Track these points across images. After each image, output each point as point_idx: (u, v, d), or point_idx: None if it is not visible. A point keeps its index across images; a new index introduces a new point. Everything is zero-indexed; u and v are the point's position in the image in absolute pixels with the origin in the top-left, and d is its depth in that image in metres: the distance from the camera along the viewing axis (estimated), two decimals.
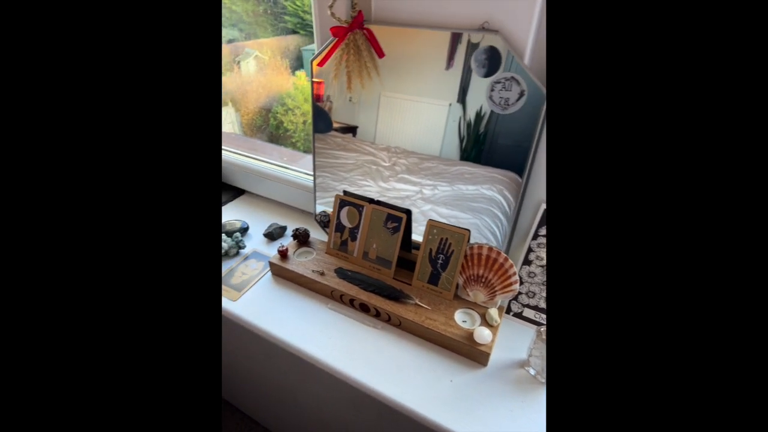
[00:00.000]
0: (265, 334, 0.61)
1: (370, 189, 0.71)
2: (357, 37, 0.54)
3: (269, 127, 1.04)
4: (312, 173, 0.83)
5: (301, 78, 0.98)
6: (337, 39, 0.54)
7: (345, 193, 0.68)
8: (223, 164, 0.91)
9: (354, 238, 0.67)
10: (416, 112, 0.61)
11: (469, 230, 0.58)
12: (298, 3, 0.87)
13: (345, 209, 0.67)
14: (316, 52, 0.59)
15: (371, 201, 0.65)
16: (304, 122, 1.00)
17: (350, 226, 0.67)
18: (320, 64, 0.58)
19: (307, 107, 0.98)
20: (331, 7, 0.52)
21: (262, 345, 0.87)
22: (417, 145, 0.64)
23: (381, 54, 0.54)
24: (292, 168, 0.86)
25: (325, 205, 0.75)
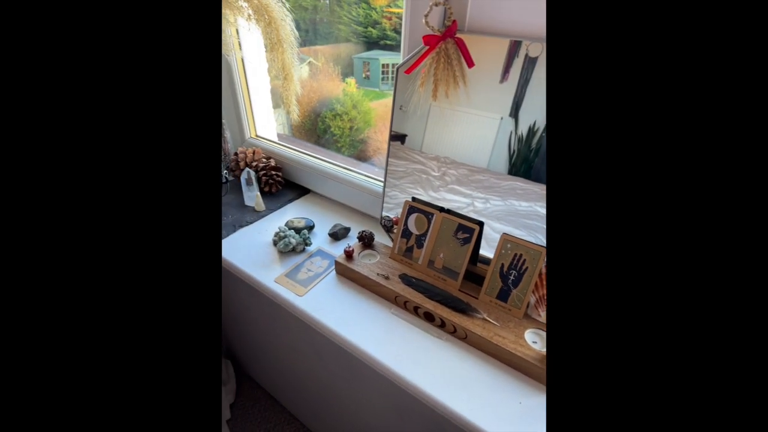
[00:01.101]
0: (328, 330, 0.62)
1: (421, 198, 0.71)
2: (448, 46, 0.54)
3: (317, 131, 1.07)
4: (382, 179, 0.84)
5: (351, 84, 1.01)
6: (428, 47, 0.55)
7: (414, 199, 0.68)
8: (290, 162, 0.95)
9: (420, 246, 0.66)
10: (466, 123, 0.61)
11: (545, 248, 0.56)
12: (353, 13, 0.90)
13: (413, 216, 0.67)
14: (403, 60, 0.60)
15: (442, 210, 0.64)
16: (351, 128, 1.02)
17: (417, 233, 0.67)
18: (407, 71, 0.59)
19: (355, 113, 1.01)
20: (426, 16, 0.52)
21: (320, 341, 0.88)
22: (465, 157, 0.63)
23: (471, 64, 0.54)
24: (357, 171, 0.88)
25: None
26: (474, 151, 0.62)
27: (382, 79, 0.98)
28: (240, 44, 0.85)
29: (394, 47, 0.88)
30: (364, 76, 1.00)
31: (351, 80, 1.01)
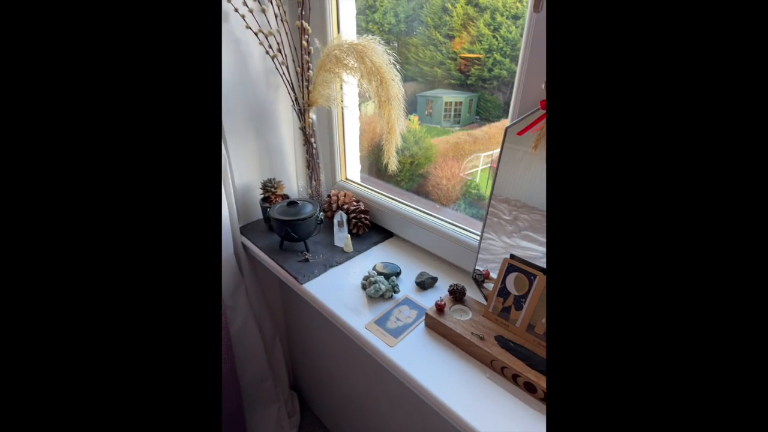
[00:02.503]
0: (418, 386, 0.60)
1: (494, 243, 0.68)
2: None
3: (378, 164, 1.10)
4: (467, 227, 0.84)
5: (414, 121, 1.04)
6: (545, 112, 0.55)
7: (513, 257, 0.66)
8: (375, 206, 0.98)
9: (519, 308, 0.63)
10: (536, 165, 0.59)
11: None
12: (420, 55, 0.93)
13: (513, 275, 0.65)
14: (515, 120, 0.61)
15: (546, 271, 0.61)
16: (411, 163, 1.04)
17: (517, 293, 0.64)
18: (520, 133, 0.59)
19: (416, 149, 1.03)
20: (545, 83, 0.53)
21: (397, 392, 0.86)
22: (536, 201, 0.61)
23: None
24: (443, 219, 0.88)
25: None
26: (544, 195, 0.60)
27: (444, 116, 1.00)
28: (343, 97, 0.92)
29: (458, 86, 0.92)
30: (426, 113, 1.03)
31: (414, 117, 1.04)
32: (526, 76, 0.59)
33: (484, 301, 0.72)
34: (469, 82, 0.89)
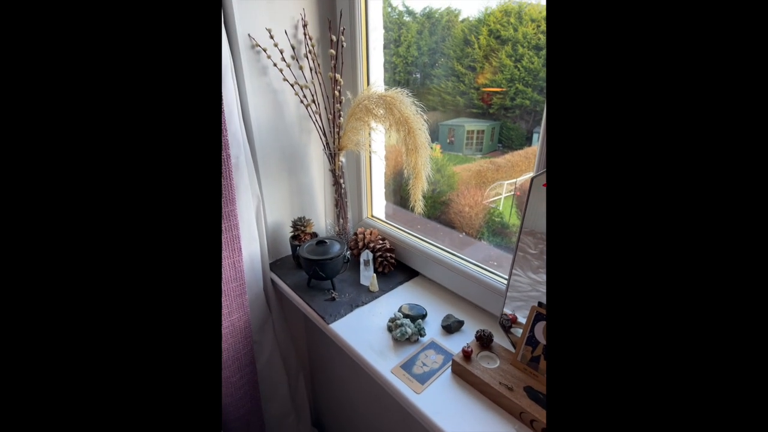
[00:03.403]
0: None
1: (520, 279, 0.67)
2: None
3: (401, 191, 1.11)
4: (507, 276, 0.84)
5: (436, 150, 1.05)
6: None
7: (540, 304, 0.66)
8: (400, 244, 1.00)
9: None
10: None
11: None
12: (442, 85, 0.96)
13: (542, 323, 0.64)
14: (540, 171, 0.62)
15: None
16: (433, 191, 1.05)
17: (546, 342, 0.63)
18: (546, 185, 0.60)
19: (438, 177, 1.04)
20: None
21: None
22: None
23: None
24: (469, 260, 0.89)
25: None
26: None
27: (466, 144, 1.01)
28: (371, 143, 0.97)
29: (480, 115, 0.94)
30: (448, 141, 1.05)
31: (436, 146, 1.06)
32: None
33: (511, 348, 0.71)
34: (491, 111, 0.91)
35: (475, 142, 1.00)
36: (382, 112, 0.81)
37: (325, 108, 0.95)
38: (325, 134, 0.95)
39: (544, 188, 0.62)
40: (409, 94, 0.78)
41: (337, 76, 0.89)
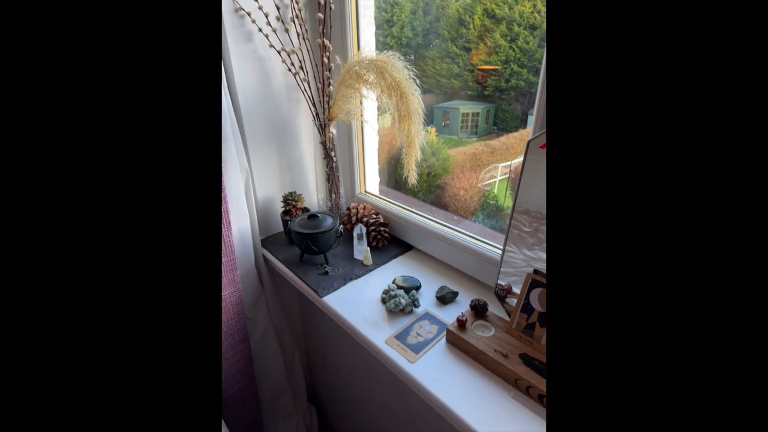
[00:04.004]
0: (439, 404, 0.58)
1: (514, 255, 0.67)
2: None
3: (396, 175, 1.09)
4: (487, 240, 0.82)
5: (431, 133, 1.04)
6: None
7: (536, 272, 0.65)
8: (394, 218, 0.98)
9: (544, 324, 0.61)
10: None
11: None
12: (437, 67, 0.93)
13: (537, 290, 0.63)
14: (537, 134, 0.60)
15: None
16: (428, 174, 1.04)
17: (541, 310, 0.62)
18: (544, 146, 0.58)
19: (433, 160, 1.02)
20: None
21: (418, 409, 0.84)
22: None
23: None
24: (464, 231, 0.87)
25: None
26: None
27: (461, 127, 1.00)
28: (363, 112, 0.94)
29: (475, 97, 0.92)
30: (443, 124, 1.03)
31: (431, 129, 1.05)
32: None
33: (506, 317, 0.70)
34: (486, 93, 0.89)
35: (470, 125, 0.99)
36: (373, 77, 0.77)
37: (314, 76, 0.91)
38: (314, 104, 0.92)
39: (540, 154, 0.60)
40: (401, 57, 0.75)
41: (326, 41, 0.85)
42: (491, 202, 0.99)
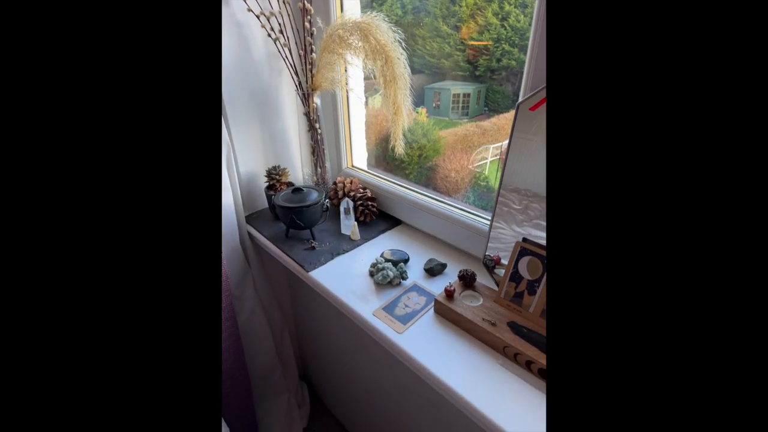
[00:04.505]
0: (427, 373, 0.58)
1: (505, 232, 0.67)
2: None
3: (387, 158, 1.07)
4: (477, 213, 0.81)
5: (422, 114, 1.03)
6: None
7: (525, 240, 0.63)
8: (383, 193, 0.96)
9: (533, 292, 0.61)
10: (544, 154, 0.57)
11: None
12: (428, 47, 0.90)
13: (526, 259, 0.62)
14: (526, 96, 0.58)
15: None
16: (419, 155, 1.03)
17: (530, 278, 0.61)
18: (533, 108, 0.56)
19: (424, 141, 1.01)
20: None
21: (407, 380, 0.83)
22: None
23: None
24: (454, 204, 0.85)
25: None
26: None
27: (452, 108, 0.98)
28: (347, 80, 0.90)
29: (466, 78, 0.90)
30: (434, 105, 1.01)
31: (422, 110, 1.03)
32: (538, 49, 0.56)
33: (495, 287, 0.70)
34: (477, 73, 0.87)
35: (461, 106, 0.96)
36: (357, 41, 0.74)
37: (296, 42, 0.87)
38: (297, 73, 0.87)
39: (530, 142, 0.58)
40: (386, 19, 0.71)
41: (307, 3, 0.80)
42: (482, 183, 0.98)
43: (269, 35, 0.83)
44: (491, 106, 0.92)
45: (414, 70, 0.93)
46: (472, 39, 0.84)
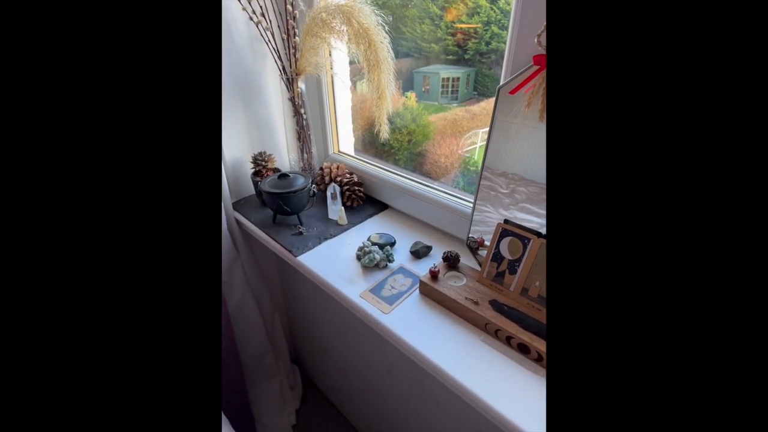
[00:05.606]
0: (413, 351, 0.60)
1: (491, 216, 0.69)
2: None
3: (376, 143, 1.08)
4: (462, 196, 0.83)
5: (411, 99, 1.02)
6: (538, 68, 0.53)
7: (506, 221, 0.65)
8: (369, 178, 0.97)
9: (513, 272, 0.63)
10: (533, 139, 0.58)
11: None
12: (418, 30, 0.90)
13: (507, 239, 0.64)
14: (507, 80, 0.59)
15: (540, 235, 0.61)
16: (409, 141, 1.03)
17: (511, 258, 0.63)
18: (512, 92, 0.57)
19: (414, 126, 1.01)
20: (539, 35, 0.51)
21: (394, 359, 0.86)
22: (535, 174, 0.61)
23: None
24: (439, 188, 0.87)
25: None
26: (542, 169, 0.60)
27: (442, 93, 0.98)
28: (332, 64, 0.89)
29: (455, 62, 0.90)
30: (423, 90, 1.01)
31: (411, 94, 1.02)
32: (518, 33, 0.57)
33: (478, 268, 0.72)
34: (466, 56, 0.87)
35: (451, 90, 0.96)
36: (340, 25, 0.73)
37: (278, 25, 0.85)
38: (280, 57, 0.87)
39: (514, 125, 0.59)
40: (370, 2, 0.71)
41: None
42: (472, 168, 0.99)
43: (251, 18, 0.82)
44: (480, 90, 0.93)
45: (403, 54, 0.93)
46: (461, 21, 0.84)
